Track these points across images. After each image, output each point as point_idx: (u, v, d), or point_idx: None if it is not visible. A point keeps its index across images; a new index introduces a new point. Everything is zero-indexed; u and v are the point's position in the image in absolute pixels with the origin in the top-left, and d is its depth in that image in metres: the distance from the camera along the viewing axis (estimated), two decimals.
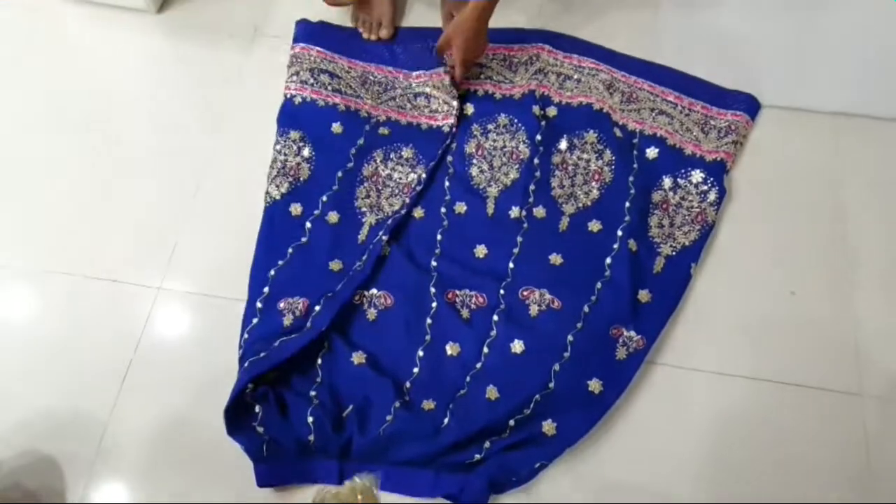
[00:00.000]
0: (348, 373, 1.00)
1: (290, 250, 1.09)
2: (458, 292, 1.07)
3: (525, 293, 1.05)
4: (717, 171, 1.17)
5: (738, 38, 1.31)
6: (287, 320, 1.02)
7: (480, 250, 1.10)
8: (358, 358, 1.00)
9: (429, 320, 1.04)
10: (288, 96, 1.22)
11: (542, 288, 1.06)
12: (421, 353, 1.02)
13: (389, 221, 1.11)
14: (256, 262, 1.09)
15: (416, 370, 1.01)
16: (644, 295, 1.06)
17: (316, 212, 1.13)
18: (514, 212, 1.13)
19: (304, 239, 1.10)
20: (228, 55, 1.30)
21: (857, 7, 1.26)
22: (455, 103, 1.21)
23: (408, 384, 1.00)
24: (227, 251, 1.11)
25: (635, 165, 1.18)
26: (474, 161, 1.18)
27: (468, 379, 1.00)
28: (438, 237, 1.12)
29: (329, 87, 1.23)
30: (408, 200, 1.14)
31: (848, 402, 1.02)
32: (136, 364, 1.02)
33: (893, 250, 1.14)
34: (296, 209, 1.13)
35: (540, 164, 1.17)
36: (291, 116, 1.20)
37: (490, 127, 1.21)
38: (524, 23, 1.33)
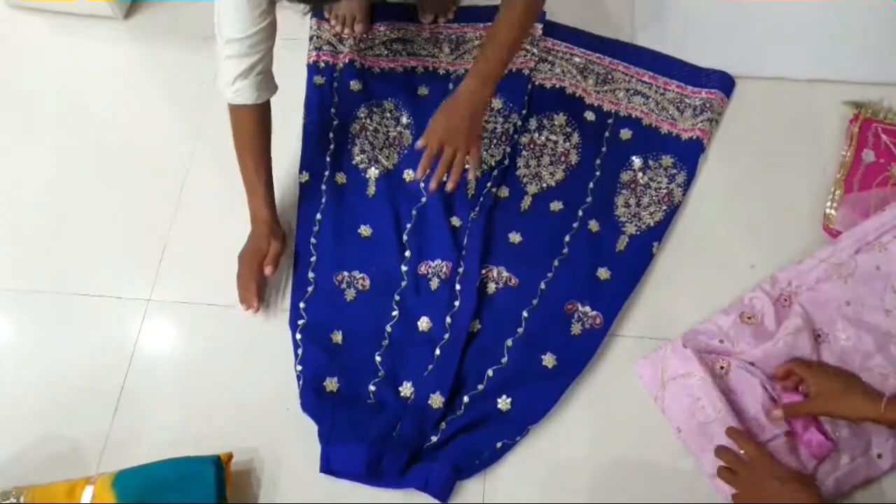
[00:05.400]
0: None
1: (413, 213, 1.12)
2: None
3: (484, 272, 1.07)
4: (693, 150, 1.17)
5: (711, 10, 1.32)
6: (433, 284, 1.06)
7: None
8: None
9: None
10: (369, 67, 1.25)
11: (500, 266, 1.07)
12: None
13: (495, 172, 1.14)
14: (382, 230, 1.10)
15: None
16: (603, 272, 1.07)
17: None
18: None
19: (423, 200, 1.13)
20: (201, 58, 1.26)
21: None
22: (532, 49, 1.24)
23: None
24: (216, 257, 1.09)
25: (604, 148, 1.18)
26: None
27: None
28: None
29: (402, 54, 1.27)
30: (508, 149, 1.16)
31: None
32: (130, 380, 1.01)
33: None
34: (408, 175, 1.16)
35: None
36: (379, 87, 1.23)
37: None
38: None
